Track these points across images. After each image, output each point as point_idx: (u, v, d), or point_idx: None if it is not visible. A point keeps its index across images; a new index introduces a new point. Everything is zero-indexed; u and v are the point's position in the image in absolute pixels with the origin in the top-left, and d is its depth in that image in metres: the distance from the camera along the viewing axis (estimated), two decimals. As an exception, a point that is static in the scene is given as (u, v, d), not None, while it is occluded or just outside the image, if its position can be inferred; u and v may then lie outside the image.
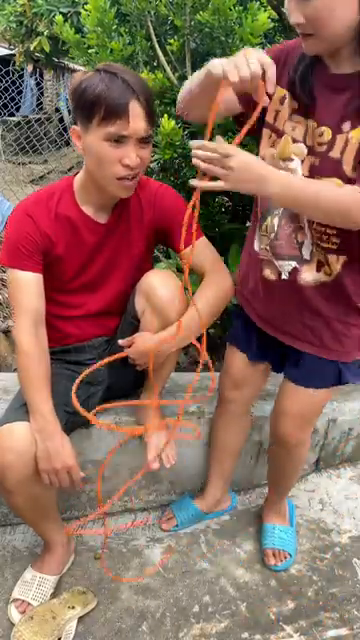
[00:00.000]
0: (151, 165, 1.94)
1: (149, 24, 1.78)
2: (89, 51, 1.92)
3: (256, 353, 1.43)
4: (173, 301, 1.30)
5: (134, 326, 1.38)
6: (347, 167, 1.06)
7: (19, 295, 1.26)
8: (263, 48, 1.85)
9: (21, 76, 7.47)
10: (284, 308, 1.27)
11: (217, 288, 1.34)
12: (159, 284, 1.31)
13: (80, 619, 1.35)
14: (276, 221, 1.20)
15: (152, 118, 1.18)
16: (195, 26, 1.71)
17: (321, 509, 1.79)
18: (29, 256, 1.26)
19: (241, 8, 1.61)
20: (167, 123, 1.63)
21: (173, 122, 1.64)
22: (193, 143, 0.98)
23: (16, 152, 6.32)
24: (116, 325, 1.46)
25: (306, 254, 1.18)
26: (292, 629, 1.37)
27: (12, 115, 7.77)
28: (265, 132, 1.18)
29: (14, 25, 4.33)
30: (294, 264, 1.20)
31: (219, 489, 1.67)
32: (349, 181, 1.06)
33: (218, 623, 1.38)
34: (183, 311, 1.31)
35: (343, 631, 1.37)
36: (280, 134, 1.15)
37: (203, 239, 1.39)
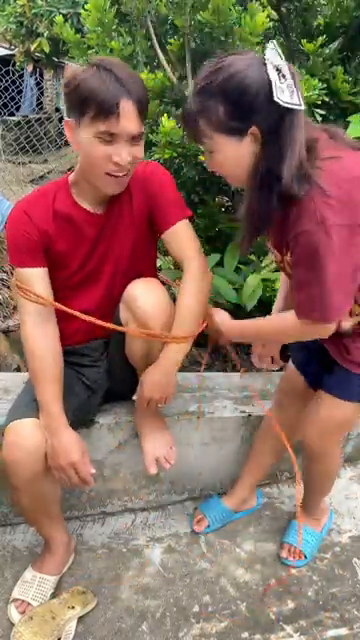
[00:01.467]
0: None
1: (149, 24, 1.78)
2: (89, 52, 1.92)
3: (312, 379, 1.46)
4: (156, 312, 1.26)
5: (124, 335, 1.37)
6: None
7: (22, 295, 1.26)
8: (263, 49, 1.85)
9: (21, 76, 7.47)
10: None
11: (199, 279, 1.31)
12: (141, 294, 1.27)
13: (80, 619, 1.35)
14: None
15: (144, 116, 1.17)
16: (195, 26, 1.71)
17: (321, 509, 1.79)
18: (28, 253, 1.26)
19: (241, 8, 1.61)
20: (167, 122, 1.63)
21: (173, 121, 1.64)
22: None
23: (16, 152, 6.32)
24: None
25: None
26: (292, 629, 1.37)
27: (12, 115, 7.77)
28: None
29: (14, 26, 4.33)
30: None
31: (247, 488, 1.67)
32: None
33: (218, 623, 1.38)
34: (168, 321, 1.28)
35: (343, 631, 1.37)
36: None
37: (184, 224, 1.34)
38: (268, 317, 1.36)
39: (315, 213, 1.01)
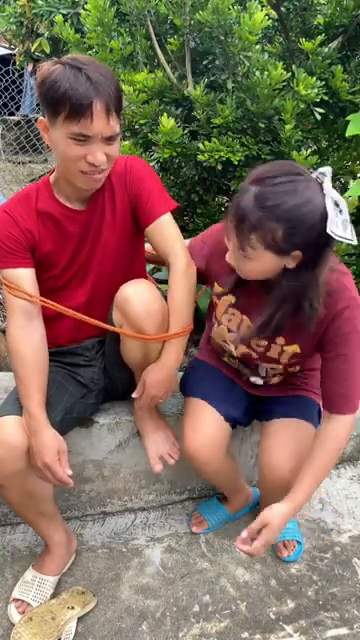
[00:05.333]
0: (150, 164, 1.94)
1: (149, 23, 1.77)
2: (89, 52, 1.92)
3: (234, 413, 1.43)
4: (148, 314, 1.25)
5: (119, 335, 1.37)
6: (284, 361, 1.32)
7: (10, 292, 1.27)
8: (263, 48, 1.85)
9: (21, 75, 7.45)
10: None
11: (186, 272, 1.31)
12: (133, 297, 1.25)
13: (80, 619, 1.35)
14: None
15: (117, 115, 1.16)
16: (194, 25, 1.71)
17: (321, 509, 1.79)
18: (13, 253, 1.26)
19: (240, 7, 1.61)
20: (166, 122, 1.62)
21: (172, 121, 1.63)
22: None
23: (16, 151, 6.30)
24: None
25: (262, 372, 1.40)
26: (292, 629, 1.37)
27: (12, 114, 7.76)
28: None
29: (14, 26, 4.34)
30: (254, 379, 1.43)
31: (243, 492, 1.66)
32: (279, 363, 1.32)
33: (218, 623, 1.38)
34: (163, 320, 1.28)
35: (343, 631, 1.37)
36: (218, 323, 1.37)
37: (167, 218, 1.34)
38: (317, 460, 1.23)
39: (351, 294, 1.16)
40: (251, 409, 1.48)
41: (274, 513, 1.19)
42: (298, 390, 1.44)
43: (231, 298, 1.33)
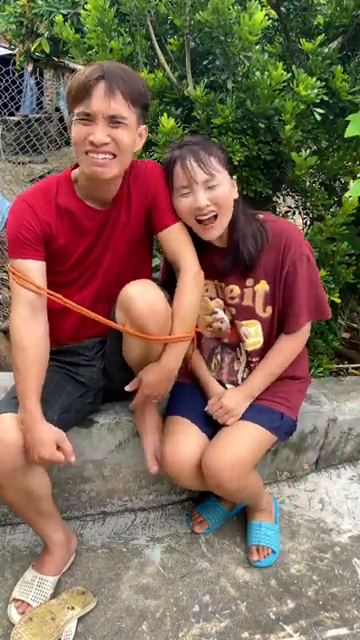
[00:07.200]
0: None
1: (149, 23, 1.77)
2: (89, 52, 1.92)
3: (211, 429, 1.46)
4: (152, 313, 1.25)
5: (120, 334, 1.37)
6: (259, 310, 1.45)
7: (18, 282, 1.27)
8: (263, 48, 1.85)
9: (21, 75, 7.45)
10: None
11: (196, 278, 1.36)
12: (137, 297, 1.26)
13: (80, 619, 1.35)
14: (219, 357, 1.54)
15: (123, 98, 1.19)
16: (194, 25, 1.71)
17: (321, 509, 1.79)
18: (28, 244, 1.27)
19: (240, 7, 1.60)
20: (166, 122, 1.62)
21: (172, 121, 1.63)
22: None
23: (16, 152, 6.31)
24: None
25: (239, 379, 1.52)
26: (292, 629, 1.37)
27: (12, 114, 7.76)
28: None
29: (14, 26, 4.33)
30: (230, 387, 1.52)
31: None
32: (262, 319, 1.45)
33: (218, 623, 1.38)
34: (165, 321, 1.28)
35: (343, 631, 1.37)
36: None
37: (180, 225, 1.37)
38: (270, 359, 1.47)
39: (299, 238, 1.40)
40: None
41: (225, 395, 1.44)
42: (263, 400, 1.48)
43: None
